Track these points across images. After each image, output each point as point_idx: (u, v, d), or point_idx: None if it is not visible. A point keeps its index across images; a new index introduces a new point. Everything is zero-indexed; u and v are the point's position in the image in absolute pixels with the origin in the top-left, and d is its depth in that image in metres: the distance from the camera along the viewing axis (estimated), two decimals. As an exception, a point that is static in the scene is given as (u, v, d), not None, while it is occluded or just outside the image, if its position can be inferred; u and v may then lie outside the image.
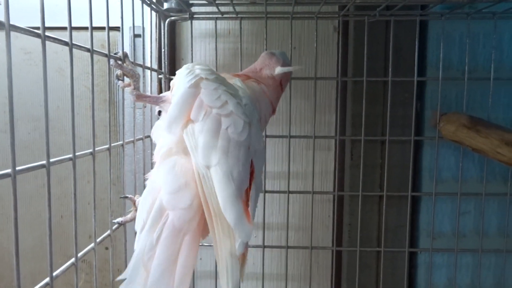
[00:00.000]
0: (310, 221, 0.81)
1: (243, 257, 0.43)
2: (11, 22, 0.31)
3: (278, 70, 0.61)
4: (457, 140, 0.73)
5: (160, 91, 0.81)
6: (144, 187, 0.68)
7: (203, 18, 0.79)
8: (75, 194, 0.42)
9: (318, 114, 0.85)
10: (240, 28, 0.77)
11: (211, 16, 0.77)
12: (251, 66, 0.64)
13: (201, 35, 0.85)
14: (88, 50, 0.45)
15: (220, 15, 0.76)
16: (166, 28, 0.77)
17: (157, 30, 0.78)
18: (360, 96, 0.77)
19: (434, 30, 0.81)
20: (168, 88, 0.82)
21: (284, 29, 0.84)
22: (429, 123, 0.81)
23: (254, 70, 0.62)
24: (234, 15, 0.75)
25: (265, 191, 0.80)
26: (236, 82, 0.55)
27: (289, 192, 0.80)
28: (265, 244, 0.82)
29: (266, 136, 0.79)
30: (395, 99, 0.79)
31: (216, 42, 0.78)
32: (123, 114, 0.58)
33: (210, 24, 0.84)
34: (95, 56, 0.47)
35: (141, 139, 0.67)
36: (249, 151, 0.46)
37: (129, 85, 0.55)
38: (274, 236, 0.88)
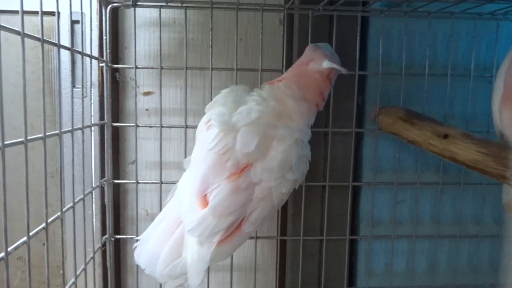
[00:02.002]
0: (255, 211, 0.82)
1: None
2: None
3: (326, 64, 0.63)
4: (394, 132, 0.76)
5: (102, 81, 0.78)
6: (84, 179, 0.66)
7: (146, 6, 0.77)
8: (4, 185, 0.40)
9: (263, 106, 0.85)
10: (186, 17, 0.76)
11: (155, 4, 0.75)
12: (298, 61, 0.67)
13: (145, 24, 0.83)
14: (18, 33, 0.43)
15: (164, 3, 0.74)
16: (107, 15, 0.75)
17: (98, 17, 0.76)
18: (304, 88, 0.79)
19: (375, 27, 0.84)
20: (112, 78, 0.79)
21: (230, 20, 0.84)
22: (369, 116, 0.84)
23: (300, 64, 0.66)
24: (179, 4, 0.74)
25: (211, 183, 0.80)
26: (253, 94, 0.62)
27: (235, 183, 0.81)
28: (211, 235, 0.82)
29: (212, 127, 0.79)
30: (338, 93, 0.81)
31: (160, 31, 0.77)
32: (60, 103, 0.55)
33: (154, 12, 0.83)
34: (33, 42, 0.44)
35: (80, 129, 0.65)
36: (220, 156, 0.55)
37: None
38: (220, 227, 0.88)
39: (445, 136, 0.68)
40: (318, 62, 0.63)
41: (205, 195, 0.55)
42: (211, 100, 0.78)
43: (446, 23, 0.83)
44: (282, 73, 0.81)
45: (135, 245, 0.61)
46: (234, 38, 0.78)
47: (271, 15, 0.85)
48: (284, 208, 0.88)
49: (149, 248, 0.58)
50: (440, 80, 0.84)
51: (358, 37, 0.79)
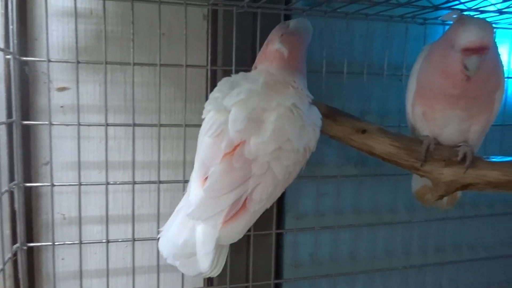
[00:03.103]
0: (182, 210, 0.81)
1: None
2: None
3: (276, 45, 0.65)
4: (317, 128, 0.79)
5: (8, 74, 0.71)
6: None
7: (59, -6, 0.71)
8: None
9: (188, 103, 0.84)
10: (104, 8, 0.72)
11: (69, -7, 0.70)
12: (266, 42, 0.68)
13: (58, 13, 0.77)
14: None
15: (80, -7, 0.70)
16: (14, 2, 0.68)
17: (3, 4, 0.69)
18: (229, 85, 0.79)
19: (297, 25, 0.86)
20: (20, 72, 0.73)
21: (152, 13, 0.81)
22: (293, 112, 0.87)
23: (265, 46, 0.67)
24: (96, -6, 0.70)
25: (134, 182, 0.77)
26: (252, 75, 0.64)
27: (160, 182, 0.79)
28: (135, 237, 0.79)
29: (135, 125, 0.76)
30: (263, 89, 0.82)
31: (76, 23, 0.72)
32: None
33: (68, 2, 0.77)
34: None
35: (3, 123, 0.58)
36: (215, 138, 0.56)
37: None
38: (144, 228, 0.85)
39: (363, 131, 0.72)
40: (274, 43, 0.66)
41: (206, 178, 0.55)
42: (133, 96, 0.75)
43: (362, 24, 0.88)
44: (207, 70, 0.81)
45: (158, 235, 0.61)
46: (157, 32, 0.75)
47: (195, 10, 0.84)
48: (211, 205, 0.87)
49: (169, 238, 0.58)
50: (358, 78, 0.89)
51: (281, 35, 0.80)
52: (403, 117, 0.91)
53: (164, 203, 0.85)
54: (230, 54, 0.78)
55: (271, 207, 0.84)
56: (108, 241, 0.78)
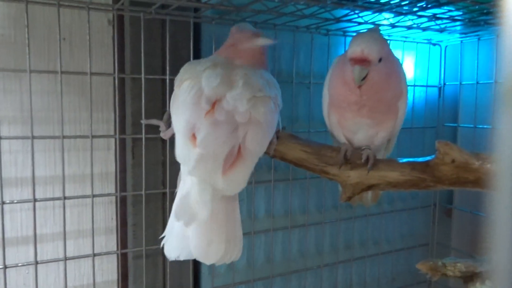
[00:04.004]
0: (91, 226, 0.76)
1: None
2: None
3: (260, 42, 0.67)
4: (230, 136, 0.79)
5: None
6: None
7: None
8: None
9: (95, 112, 0.79)
10: (-7, 10, 0.65)
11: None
12: (225, 44, 0.70)
13: None
14: None
15: (-38, -8, 0.62)
16: None
17: None
18: (139, 93, 0.76)
19: (207, 32, 0.86)
20: None
21: (51, 16, 0.75)
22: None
23: (229, 45, 0.68)
24: (-17, -6, 0.63)
25: (35, 200, 0.71)
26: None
27: (65, 198, 0.73)
28: (38, 259, 0.73)
29: (33, 137, 0.70)
30: (174, 97, 0.80)
31: (-41, 25, 0.64)
32: None
33: (-51, 2, 0.69)
34: None
35: None
36: (195, 99, 0.58)
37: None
38: (48, 249, 0.78)
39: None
40: (250, 41, 0.68)
41: (193, 134, 0.57)
42: (31, 106, 0.69)
43: (271, 33, 0.90)
44: (115, 78, 0.77)
45: (162, 242, 0.62)
46: (56, 37, 0.70)
47: (99, 15, 0.79)
48: (123, 219, 0.83)
49: (174, 236, 0.60)
50: (268, 86, 0.91)
51: (191, 42, 0.80)
52: (312, 123, 0.95)
53: (71, 220, 0.79)
54: (139, 62, 0.76)
55: (187, 217, 0.82)
56: (5, 267, 0.71)
